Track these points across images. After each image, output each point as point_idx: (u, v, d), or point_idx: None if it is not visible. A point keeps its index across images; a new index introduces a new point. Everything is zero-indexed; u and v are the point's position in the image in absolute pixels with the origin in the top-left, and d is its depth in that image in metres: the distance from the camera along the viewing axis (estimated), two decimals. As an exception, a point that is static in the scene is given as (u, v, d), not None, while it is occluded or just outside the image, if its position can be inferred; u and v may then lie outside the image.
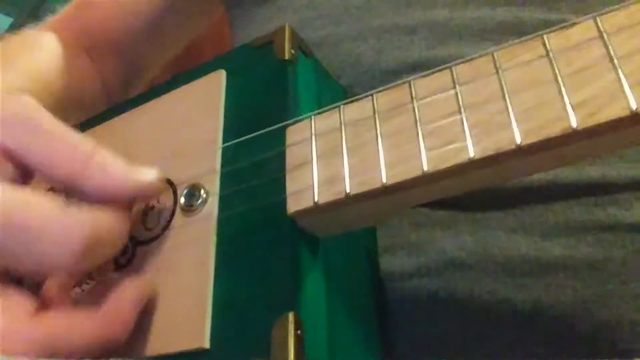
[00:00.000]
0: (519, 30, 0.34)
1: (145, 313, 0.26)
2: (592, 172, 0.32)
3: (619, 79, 0.21)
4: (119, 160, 0.26)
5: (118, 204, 0.25)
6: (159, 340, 0.26)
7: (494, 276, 0.31)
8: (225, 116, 0.29)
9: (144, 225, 0.29)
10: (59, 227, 0.23)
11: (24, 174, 0.26)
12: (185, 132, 0.30)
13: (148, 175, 0.26)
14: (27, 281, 0.27)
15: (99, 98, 0.49)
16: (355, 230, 0.30)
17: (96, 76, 0.49)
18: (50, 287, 0.25)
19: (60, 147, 0.25)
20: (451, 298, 0.31)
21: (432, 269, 0.32)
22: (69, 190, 0.25)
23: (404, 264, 0.32)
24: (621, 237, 0.31)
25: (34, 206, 0.23)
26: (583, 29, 0.22)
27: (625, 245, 0.31)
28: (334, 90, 0.33)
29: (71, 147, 0.25)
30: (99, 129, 0.33)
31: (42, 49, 0.45)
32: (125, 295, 0.25)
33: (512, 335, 0.31)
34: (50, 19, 0.51)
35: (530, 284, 0.31)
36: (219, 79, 0.30)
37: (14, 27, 1.62)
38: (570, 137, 0.21)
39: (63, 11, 0.51)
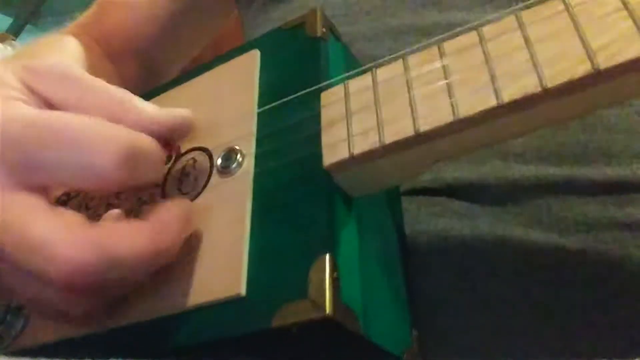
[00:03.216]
0: None
1: (182, 268, 0.27)
2: (609, 171, 0.32)
3: (636, 24, 0.23)
4: (150, 103, 0.28)
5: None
6: (196, 293, 0.26)
7: (511, 269, 0.31)
8: (260, 90, 0.31)
9: (179, 191, 0.30)
10: (98, 136, 0.24)
11: None
12: (220, 105, 0.31)
13: (181, 111, 0.28)
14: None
15: None
16: (384, 201, 0.32)
17: (118, 79, 0.51)
18: (110, 214, 0.26)
19: (96, 91, 0.27)
20: (471, 289, 0.32)
21: (451, 257, 0.32)
22: None
23: (423, 251, 0.33)
24: (637, 236, 0.31)
25: (73, 119, 0.25)
26: (599, -15, 0.24)
27: None
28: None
29: (107, 91, 0.27)
30: None
31: (66, 51, 0.46)
32: (172, 210, 0.26)
33: (530, 328, 0.31)
34: (69, 26, 0.53)
35: (547, 279, 0.31)
36: (253, 58, 0.32)
37: (14, 27, 1.66)
38: (593, 79, 0.23)
39: (81, 18, 0.53)
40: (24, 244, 0.23)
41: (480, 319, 0.32)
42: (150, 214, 0.25)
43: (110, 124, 0.25)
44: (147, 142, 0.26)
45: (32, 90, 0.28)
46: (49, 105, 0.27)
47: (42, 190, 0.25)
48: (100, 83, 0.28)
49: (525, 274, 0.31)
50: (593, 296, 0.31)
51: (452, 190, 0.33)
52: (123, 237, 0.24)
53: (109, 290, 0.25)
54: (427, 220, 0.33)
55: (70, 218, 0.24)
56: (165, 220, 0.25)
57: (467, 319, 0.32)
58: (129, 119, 0.27)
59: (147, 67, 0.53)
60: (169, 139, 0.28)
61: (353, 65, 0.34)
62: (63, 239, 0.23)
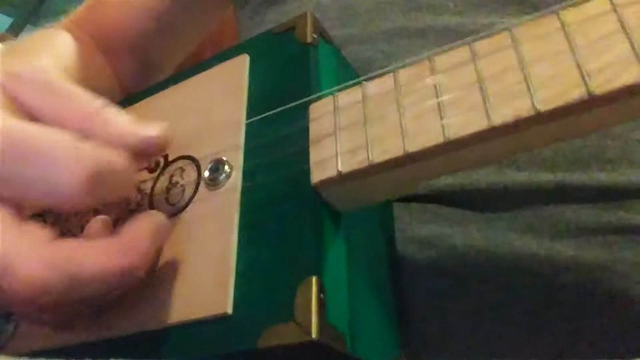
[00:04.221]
0: None
1: (169, 282, 0.27)
2: (602, 177, 0.32)
3: (633, 47, 0.22)
4: (125, 115, 0.27)
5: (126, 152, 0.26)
6: (182, 308, 0.26)
7: (503, 275, 0.31)
8: (248, 97, 0.30)
9: (167, 201, 0.30)
10: (65, 155, 0.24)
11: None
12: (209, 113, 0.31)
13: (154, 129, 0.27)
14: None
15: (116, 96, 0.50)
16: (374, 209, 0.31)
17: (112, 74, 0.50)
18: (91, 226, 0.26)
19: (70, 103, 0.27)
20: (462, 295, 0.32)
21: (442, 264, 0.32)
22: None
23: (415, 259, 0.33)
24: (630, 240, 0.31)
25: (46, 135, 0.24)
26: (597, 4, 0.23)
27: (635, 247, 0.31)
28: (353, 78, 0.34)
29: (81, 103, 0.27)
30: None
31: (59, 47, 0.45)
32: (142, 226, 0.25)
33: (521, 334, 0.31)
34: (63, 20, 0.52)
35: (539, 284, 0.31)
36: (242, 62, 0.31)
37: (14, 27, 1.66)
38: (588, 104, 0.22)
39: (75, 12, 0.52)
40: None
41: (471, 325, 0.32)
42: (120, 230, 0.25)
43: (80, 142, 0.24)
44: (115, 160, 0.25)
45: (11, 96, 0.27)
46: (26, 111, 0.27)
47: (12, 203, 0.25)
48: (78, 92, 0.27)
49: (517, 280, 0.31)
50: (585, 301, 0.31)
51: (444, 197, 0.33)
52: (87, 257, 0.24)
53: (77, 305, 0.25)
54: (418, 226, 0.33)
55: (36, 235, 0.24)
56: (134, 237, 0.25)
57: (458, 325, 0.32)
58: (101, 131, 0.26)
59: (143, 62, 0.52)
60: (143, 153, 0.27)
61: (345, 69, 0.33)
62: (25, 258, 0.23)
